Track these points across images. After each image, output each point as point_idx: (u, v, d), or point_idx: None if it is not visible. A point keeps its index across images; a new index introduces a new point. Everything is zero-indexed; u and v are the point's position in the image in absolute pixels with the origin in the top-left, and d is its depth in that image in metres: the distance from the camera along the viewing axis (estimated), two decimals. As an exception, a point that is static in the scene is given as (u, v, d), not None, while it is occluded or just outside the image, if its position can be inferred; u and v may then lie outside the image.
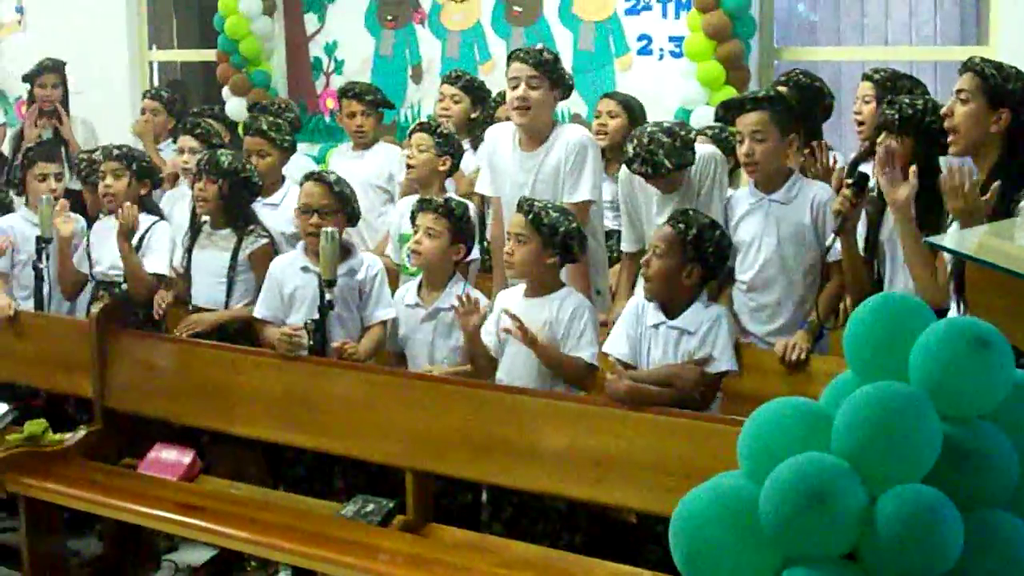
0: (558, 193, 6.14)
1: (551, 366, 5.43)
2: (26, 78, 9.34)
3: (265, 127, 7.19)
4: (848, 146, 6.86)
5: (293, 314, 6.19)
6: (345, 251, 6.11)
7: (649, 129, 5.88)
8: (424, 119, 7.59)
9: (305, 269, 6.13)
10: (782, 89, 6.25)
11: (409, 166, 6.90)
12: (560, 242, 5.50)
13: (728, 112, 5.93)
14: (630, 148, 5.89)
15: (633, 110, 7.39)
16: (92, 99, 9.89)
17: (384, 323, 6.14)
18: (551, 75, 6.18)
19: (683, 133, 5.90)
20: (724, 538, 2.49)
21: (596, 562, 5.11)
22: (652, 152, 5.78)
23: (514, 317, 5.37)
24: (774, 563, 2.46)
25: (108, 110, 9.86)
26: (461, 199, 6.28)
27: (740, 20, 8.14)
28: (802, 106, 6.18)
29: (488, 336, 5.70)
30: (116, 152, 6.97)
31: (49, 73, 9.26)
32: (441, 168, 6.83)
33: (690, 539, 2.52)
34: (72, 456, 6.33)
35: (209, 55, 10.67)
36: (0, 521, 7.01)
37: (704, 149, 6.14)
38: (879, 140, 5.32)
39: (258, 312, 6.30)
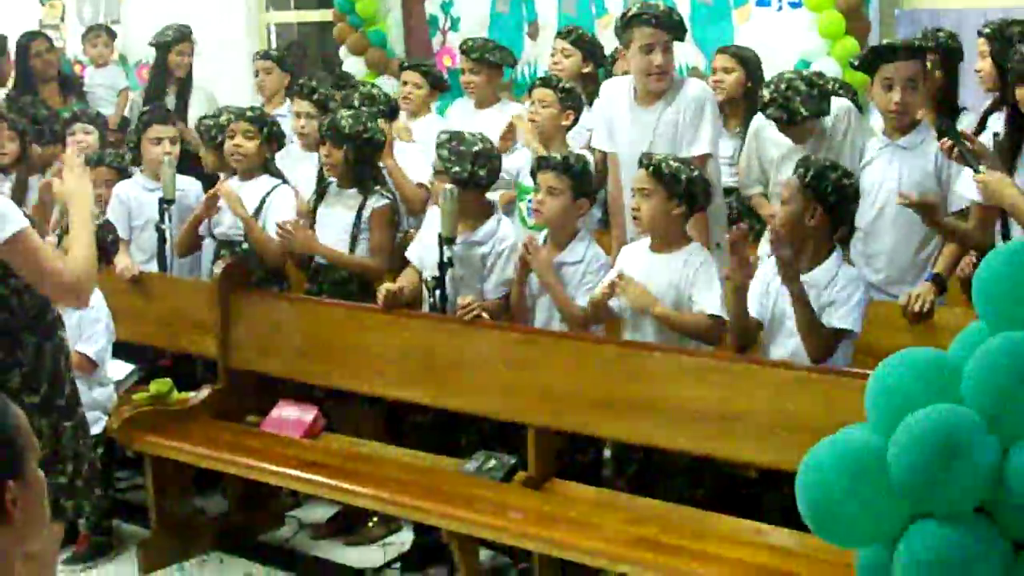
0: (676, 147, 6.08)
1: (673, 330, 5.39)
2: (160, 46, 9.43)
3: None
4: (969, 97, 6.74)
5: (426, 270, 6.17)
6: (483, 214, 6.13)
7: (787, 75, 6.02)
8: (542, 75, 7.58)
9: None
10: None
11: (532, 121, 6.91)
12: (684, 191, 5.46)
13: (876, 58, 5.86)
14: (766, 93, 5.99)
15: (749, 64, 7.33)
16: (210, 63, 9.97)
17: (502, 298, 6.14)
18: (680, 35, 6.15)
19: (820, 83, 5.98)
20: (851, 491, 2.46)
21: (719, 516, 5.11)
22: (788, 98, 5.86)
23: (621, 278, 5.35)
24: (902, 516, 2.43)
25: (226, 74, 9.92)
26: (579, 153, 6.24)
27: (861, -31, 8.02)
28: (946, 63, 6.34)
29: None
30: (249, 114, 7.03)
31: (186, 41, 9.39)
32: (564, 122, 6.85)
33: (817, 491, 2.50)
34: (197, 415, 6.43)
35: (326, 15, 10.70)
36: (128, 479, 7.13)
37: (839, 102, 6.11)
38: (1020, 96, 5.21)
39: (409, 252, 6.34)
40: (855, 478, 2.47)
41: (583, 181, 5.90)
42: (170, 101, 9.31)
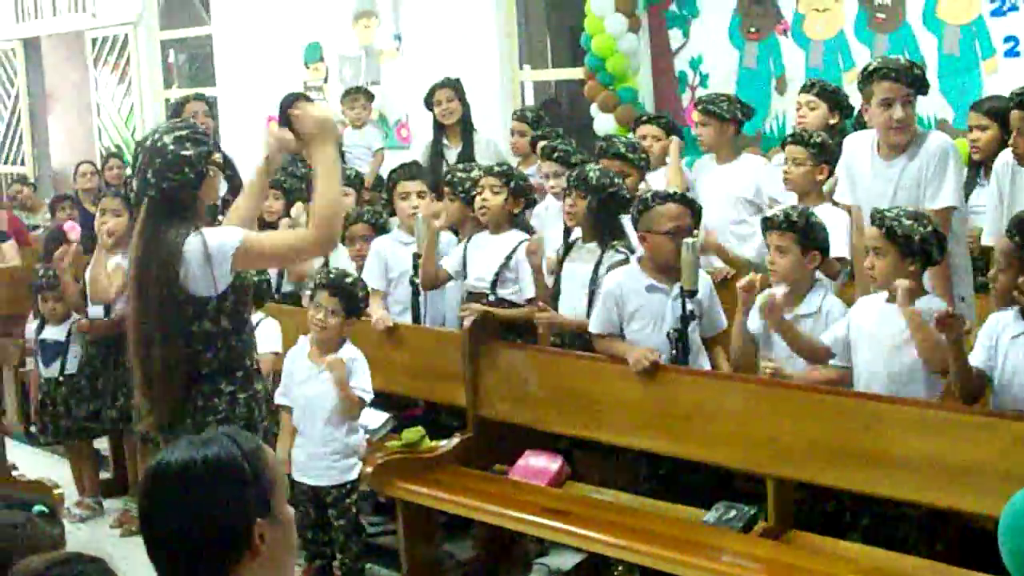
0: (920, 200, 6.08)
1: (921, 333, 5.30)
2: (426, 101, 9.72)
3: (622, 150, 7.42)
4: None
5: (635, 329, 6.27)
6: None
7: None
8: (792, 131, 7.63)
9: (651, 288, 6.22)
10: None
11: (786, 178, 7.02)
12: (918, 249, 5.47)
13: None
14: None
15: (1002, 119, 7.24)
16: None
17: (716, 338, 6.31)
18: (921, 89, 6.17)
19: None
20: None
21: (958, 571, 5.09)
22: None
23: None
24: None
25: (483, 128, 10.16)
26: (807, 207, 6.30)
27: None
28: None
29: (832, 337, 5.73)
30: (497, 169, 7.27)
31: (443, 89, 9.63)
32: (819, 176, 6.92)
33: (1016, 538, 2.53)
34: (447, 462, 6.63)
35: (577, 73, 10.89)
36: (380, 524, 7.35)
37: None
38: None
39: (593, 327, 6.40)
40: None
41: (809, 235, 5.95)
42: (452, 154, 9.55)
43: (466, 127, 9.70)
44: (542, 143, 8.11)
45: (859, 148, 6.40)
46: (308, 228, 5.21)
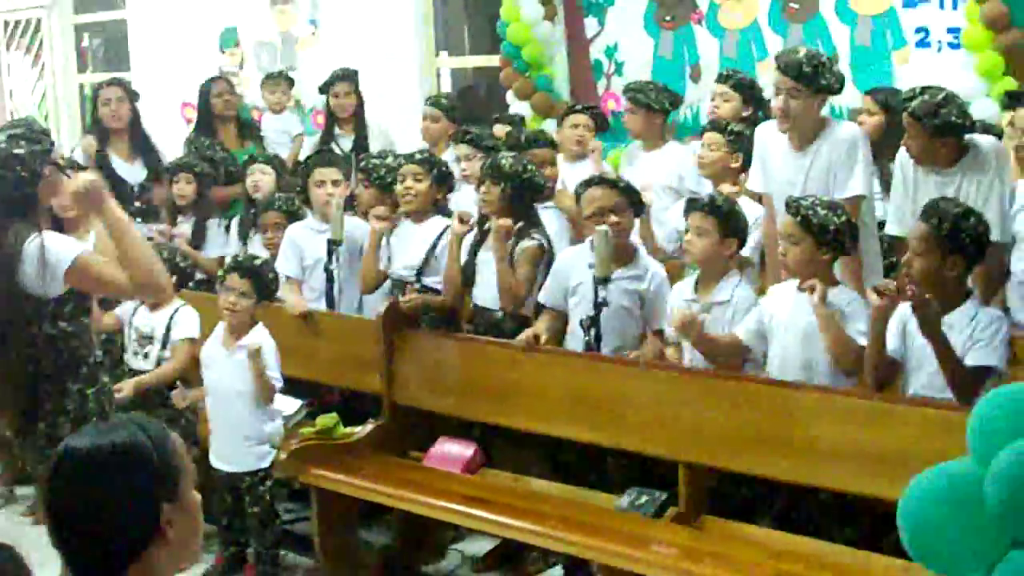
0: (830, 189, 6.15)
1: (832, 334, 5.40)
2: (322, 89, 9.72)
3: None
4: None
5: (573, 308, 6.34)
6: (629, 253, 6.26)
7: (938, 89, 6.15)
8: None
9: (590, 266, 6.20)
10: None
11: (701, 163, 7.09)
12: (832, 239, 5.54)
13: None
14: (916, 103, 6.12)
15: (892, 108, 7.35)
16: (384, 106, 10.23)
17: (659, 331, 6.26)
18: (812, 85, 6.18)
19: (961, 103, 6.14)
20: (949, 519, 2.54)
21: (867, 555, 5.15)
22: (939, 105, 6.03)
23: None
24: (1000, 544, 2.50)
25: (400, 116, 10.16)
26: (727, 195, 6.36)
27: (1020, 8, 7.97)
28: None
29: (745, 330, 5.78)
30: (419, 156, 7.26)
31: (342, 82, 9.64)
32: (733, 165, 6.98)
33: (916, 520, 2.58)
34: (362, 449, 6.61)
35: (495, 60, 10.90)
36: (295, 512, 7.34)
37: (988, 139, 6.16)
38: None
39: (541, 297, 6.50)
40: (953, 508, 2.55)
41: (730, 221, 5.99)
42: (347, 142, 9.57)
43: (359, 118, 9.71)
44: (457, 130, 8.14)
45: (770, 137, 6.46)
46: (127, 277, 5.17)
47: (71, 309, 5.31)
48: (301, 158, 9.63)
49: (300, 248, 7.49)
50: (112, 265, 5.11)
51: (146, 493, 2.66)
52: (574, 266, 6.37)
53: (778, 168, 6.38)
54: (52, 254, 5.09)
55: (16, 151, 5.17)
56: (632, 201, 6.35)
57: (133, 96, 9.45)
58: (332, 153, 8.43)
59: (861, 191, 6.19)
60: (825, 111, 6.44)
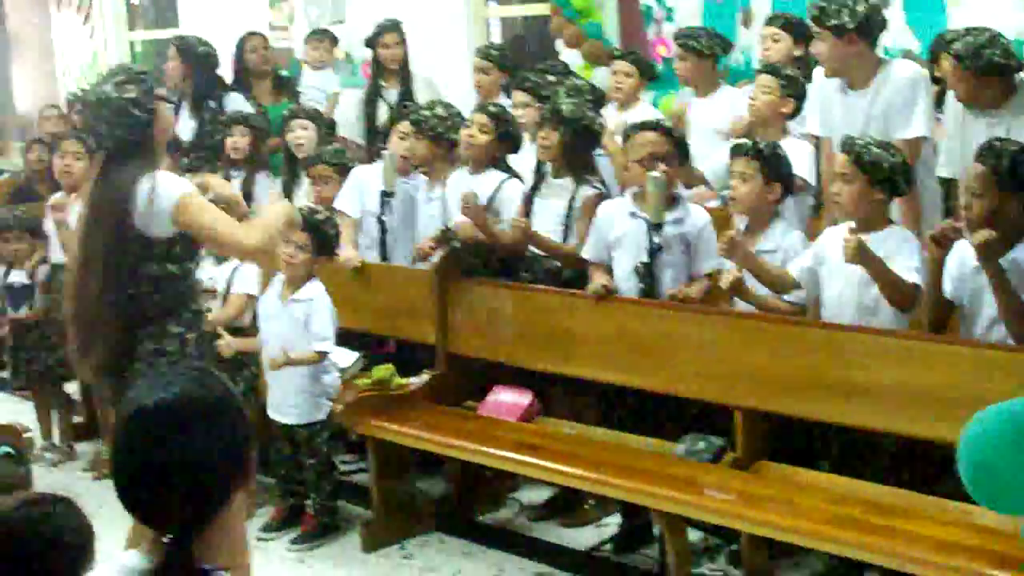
0: (890, 130, 6.08)
1: (880, 277, 5.31)
2: (367, 42, 9.68)
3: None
4: None
5: (618, 258, 6.29)
6: (672, 200, 6.20)
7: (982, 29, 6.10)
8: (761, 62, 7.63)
9: (633, 215, 6.21)
10: None
11: (752, 107, 6.97)
12: (886, 178, 5.47)
13: None
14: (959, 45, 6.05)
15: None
16: (432, 57, 10.18)
17: (709, 275, 6.20)
18: (862, 33, 6.15)
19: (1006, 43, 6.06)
20: (1012, 459, 2.49)
21: (923, 497, 5.13)
22: (982, 46, 5.97)
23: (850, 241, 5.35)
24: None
25: (448, 67, 10.10)
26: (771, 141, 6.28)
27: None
28: None
29: (799, 268, 5.73)
30: (492, 109, 7.14)
31: (389, 32, 9.59)
32: (784, 110, 6.85)
33: (977, 459, 2.54)
34: (417, 400, 6.63)
35: (544, 9, 10.83)
36: (352, 463, 7.39)
37: None
38: None
39: (586, 253, 6.43)
40: (1015, 446, 2.51)
41: (774, 165, 5.94)
42: (392, 95, 9.52)
43: (404, 69, 9.64)
44: (518, 75, 8.08)
45: (828, 80, 6.39)
46: (251, 235, 5.26)
47: (179, 251, 5.31)
48: (336, 116, 9.63)
49: (362, 190, 7.47)
50: (222, 219, 5.18)
51: (241, 437, 2.61)
52: (615, 218, 6.31)
53: (836, 111, 6.32)
54: (160, 191, 5.15)
55: (127, 95, 5.20)
56: (680, 150, 6.32)
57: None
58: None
59: (922, 132, 6.15)
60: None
